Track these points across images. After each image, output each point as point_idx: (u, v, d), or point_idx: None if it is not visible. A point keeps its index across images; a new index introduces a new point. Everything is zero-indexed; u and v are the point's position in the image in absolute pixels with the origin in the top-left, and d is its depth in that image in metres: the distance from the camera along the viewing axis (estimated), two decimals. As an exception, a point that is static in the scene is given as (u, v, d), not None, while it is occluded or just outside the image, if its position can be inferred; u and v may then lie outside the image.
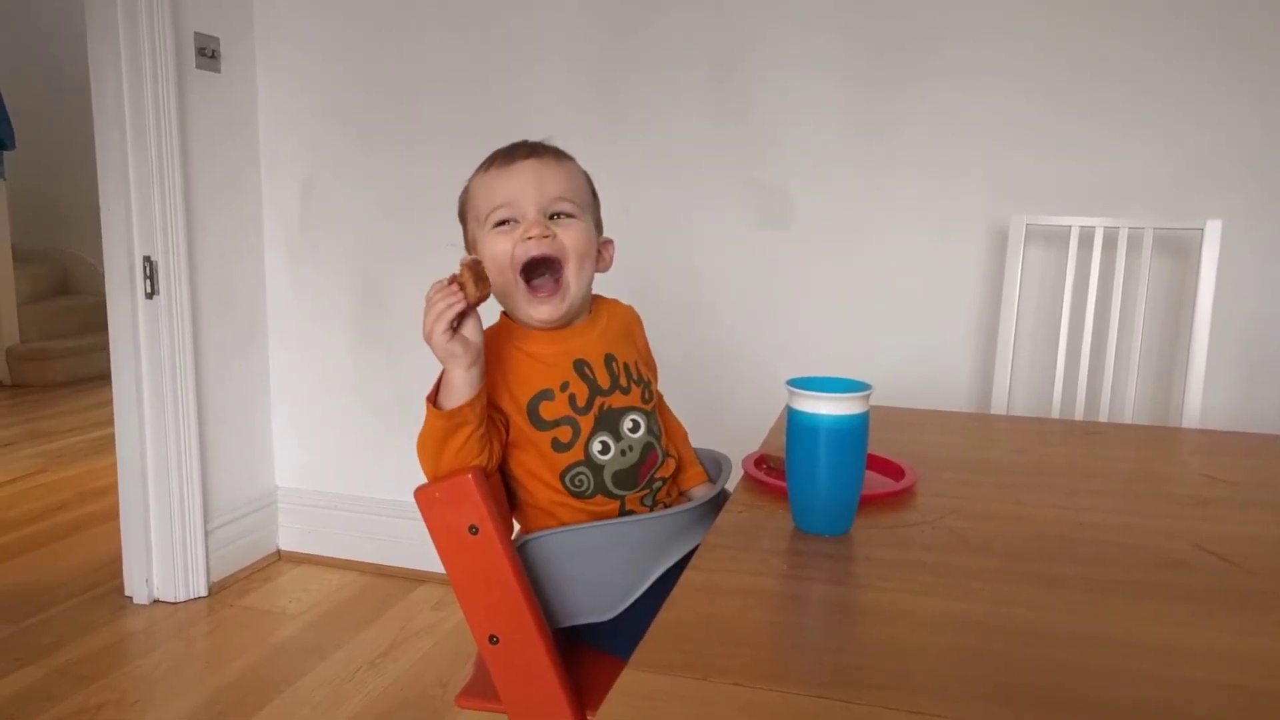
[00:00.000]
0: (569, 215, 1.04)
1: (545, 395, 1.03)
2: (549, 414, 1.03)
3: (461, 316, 0.92)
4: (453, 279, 0.92)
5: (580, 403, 1.04)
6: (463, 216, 1.12)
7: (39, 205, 4.96)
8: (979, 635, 0.65)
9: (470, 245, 1.10)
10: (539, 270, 1.03)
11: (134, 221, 1.98)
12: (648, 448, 1.09)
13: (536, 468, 1.05)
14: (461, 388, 0.93)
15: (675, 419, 1.25)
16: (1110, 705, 0.56)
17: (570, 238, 1.03)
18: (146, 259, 1.99)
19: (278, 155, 2.27)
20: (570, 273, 1.03)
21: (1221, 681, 0.59)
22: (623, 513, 1.07)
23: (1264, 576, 0.76)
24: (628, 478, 1.07)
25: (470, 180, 1.08)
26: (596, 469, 1.05)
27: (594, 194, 1.13)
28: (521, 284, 1.03)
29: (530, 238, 1.00)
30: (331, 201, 2.26)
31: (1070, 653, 0.62)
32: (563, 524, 1.05)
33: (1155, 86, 1.71)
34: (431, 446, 0.95)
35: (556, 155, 1.06)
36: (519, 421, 1.03)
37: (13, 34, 4.86)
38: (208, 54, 2.08)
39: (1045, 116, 1.77)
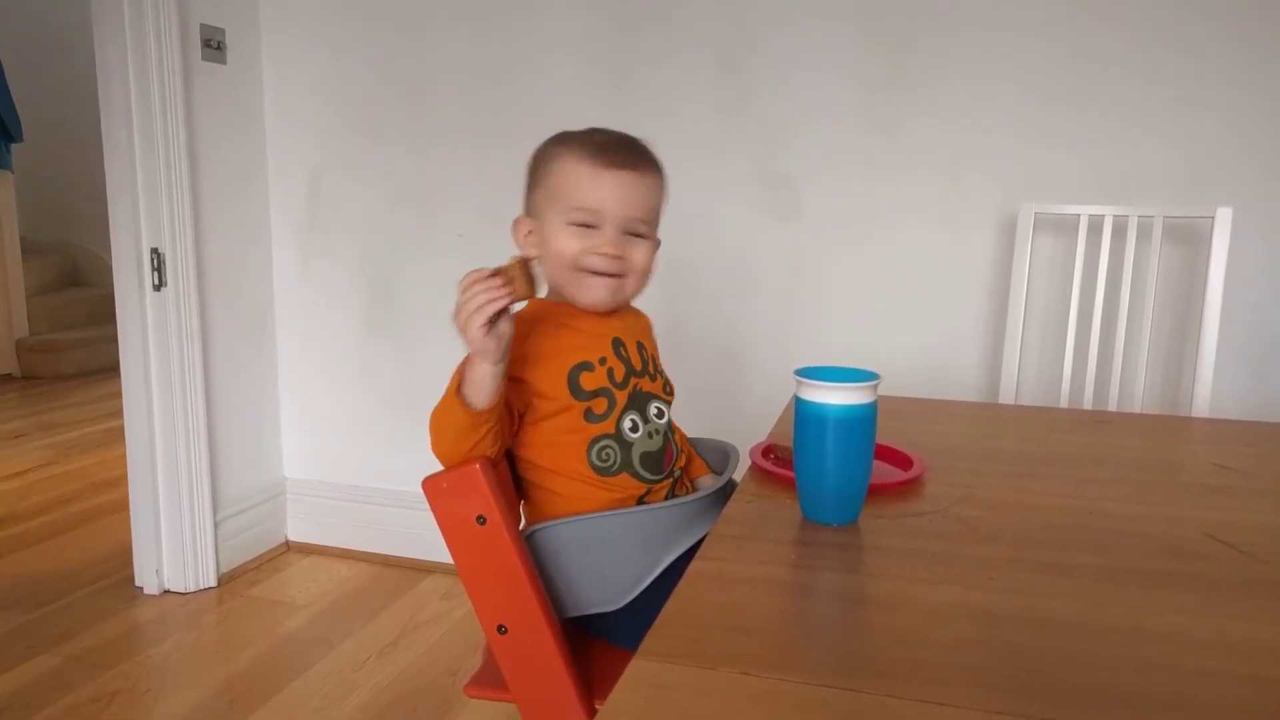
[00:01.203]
0: (642, 236, 1.05)
1: (585, 366, 1.03)
2: (588, 384, 1.03)
3: (500, 312, 0.89)
4: (496, 272, 0.89)
5: (618, 378, 1.05)
6: (535, 176, 1.08)
7: (47, 198, 4.98)
8: (988, 624, 0.65)
9: (531, 207, 1.08)
10: None
11: (141, 214, 1.98)
12: (668, 437, 1.11)
13: (563, 442, 1.04)
14: (487, 382, 0.91)
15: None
16: (1120, 694, 0.56)
17: (638, 258, 1.05)
18: (154, 251, 2.00)
19: (285, 146, 2.27)
20: (630, 284, 1.06)
21: (1232, 671, 0.59)
22: (642, 503, 1.07)
23: (1275, 565, 0.76)
24: (654, 462, 1.07)
25: (559, 150, 1.04)
26: (625, 445, 1.05)
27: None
28: (582, 272, 1.03)
29: (602, 254, 1.01)
30: (339, 192, 2.26)
31: (1080, 641, 0.62)
32: (574, 514, 1.05)
33: (1165, 75, 1.70)
34: (450, 437, 0.94)
35: (651, 168, 1.05)
36: (555, 390, 1.02)
37: (20, 27, 4.86)
38: (214, 46, 2.08)
39: (1054, 106, 1.76)
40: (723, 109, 1.95)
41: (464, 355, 0.92)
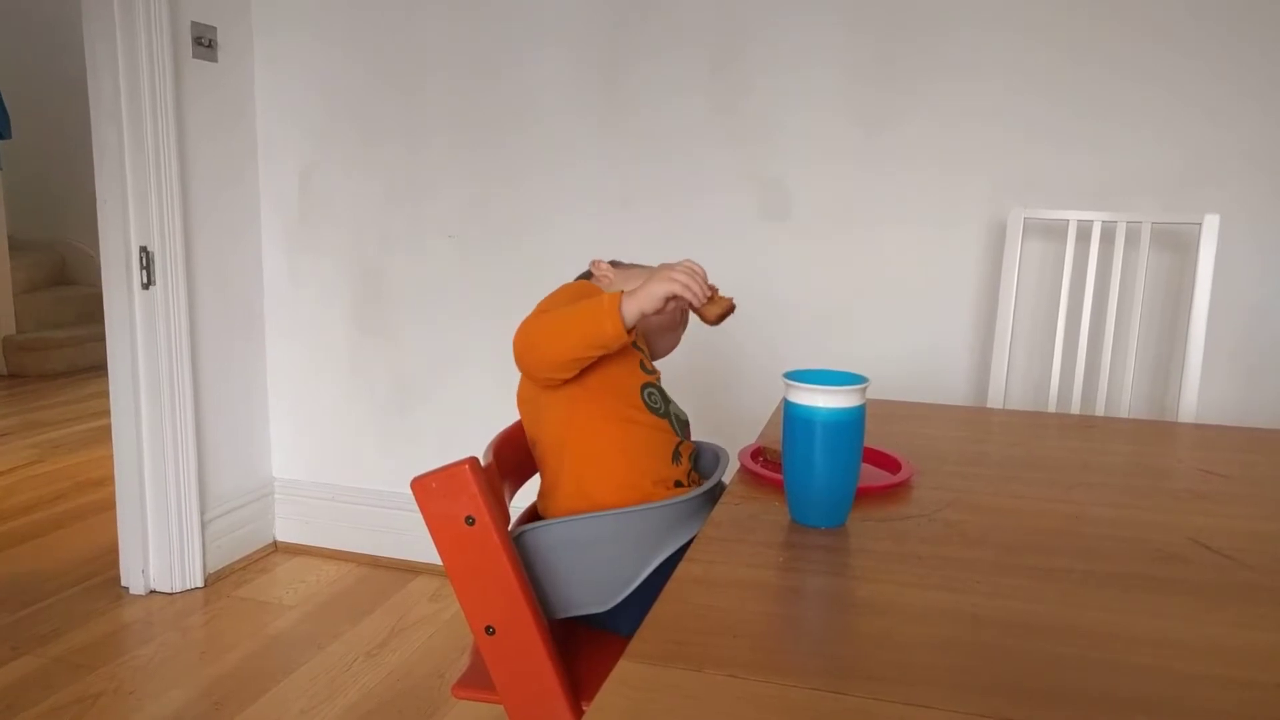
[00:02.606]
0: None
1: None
2: (639, 342, 1.20)
3: (677, 302, 1.04)
4: (713, 286, 1.07)
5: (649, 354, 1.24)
6: (621, 266, 1.31)
7: (36, 195, 4.95)
8: (974, 627, 0.65)
9: (612, 271, 1.27)
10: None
11: (130, 212, 1.97)
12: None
13: (622, 381, 1.14)
14: (636, 318, 1.02)
15: None
16: (1105, 698, 0.56)
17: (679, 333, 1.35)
18: (143, 249, 1.99)
19: (275, 144, 2.27)
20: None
21: (1216, 675, 0.59)
22: (676, 454, 1.15)
23: (1259, 570, 0.76)
24: (683, 428, 1.20)
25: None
26: (665, 400, 1.19)
27: None
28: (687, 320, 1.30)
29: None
30: (329, 190, 2.25)
31: (1065, 645, 0.62)
32: (625, 448, 1.11)
33: (1156, 80, 1.71)
34: (577, 343, 1.03)
35: None
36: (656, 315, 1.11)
37: (10, 24, 4.84)
38: (204, 43, 2.08)
39: (1045, 109, 1.76)
40: (713, 107, 1.95)
41: (611, 295, 1.03)
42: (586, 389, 1.11)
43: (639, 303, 1.01)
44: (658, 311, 1.02)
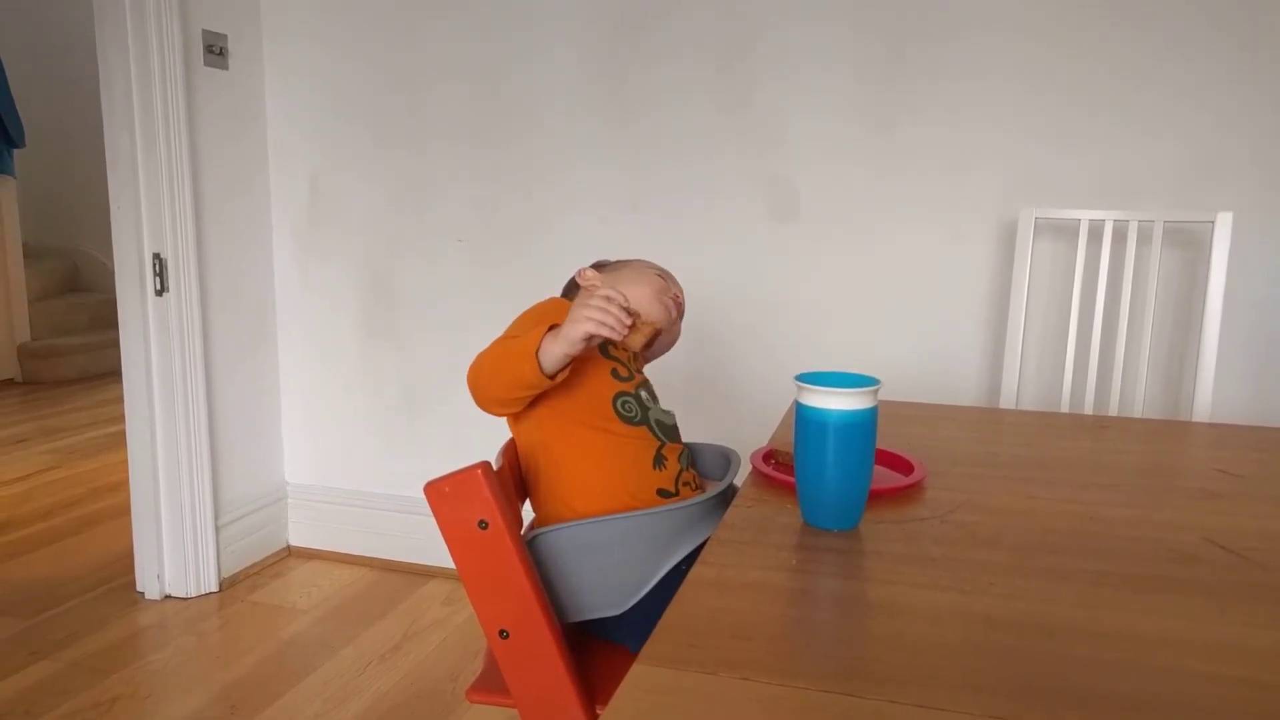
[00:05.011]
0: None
1: (609, 342, 1.13)
2: (614, 351, 1.17)
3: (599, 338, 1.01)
4: (634, 313, 1.03)
5: (629, 361, 1.20)
6: (604, 267, 1.31)
7: (49, 203, 4.99)
8: (988, 629, 0.65)
9: (597, 277, 1.26)
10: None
11: (143, 219, 1.99)
12: (675, 423, 1.21)
13: (590, 391, 1.11)
14: (560, 359, 1.00)
15: None
16: (1119, 699, 0.56)
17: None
18: (156, 256, 2.00)
19: (286, 151, 2.28)
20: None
21: (1231, 676, 0.59)
22: (659, 459, 1.12)
23: (1274, 571, 0.76)
24: (668, 430, 1.17)
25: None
26: (643, 407, 1.15)
27: None
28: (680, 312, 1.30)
29: (676, 296, 1.28)
30: (340, 196, 2.26)
31: (1079, 646, 0.62)
32: (599, 459, 1.10)
33: (1167, 79, 1.70)
34: (506, 384, 1.03)
35: None
36: (585, 350, 1.07)
37: (23, 33, 4.88)
38: (216, 51, 2.09)
39: (1056, 109, 1.76)
40: (722, 109, 1.95)
41: (548, 327, 1.01)
42: (551, 409, 1.10)
43: (559, 345, 0.98)
44: (583, 351, 1.00)
